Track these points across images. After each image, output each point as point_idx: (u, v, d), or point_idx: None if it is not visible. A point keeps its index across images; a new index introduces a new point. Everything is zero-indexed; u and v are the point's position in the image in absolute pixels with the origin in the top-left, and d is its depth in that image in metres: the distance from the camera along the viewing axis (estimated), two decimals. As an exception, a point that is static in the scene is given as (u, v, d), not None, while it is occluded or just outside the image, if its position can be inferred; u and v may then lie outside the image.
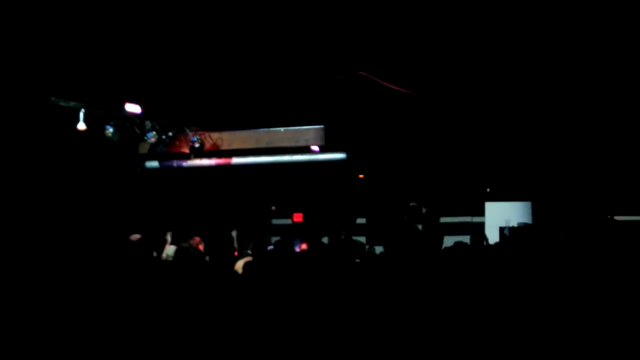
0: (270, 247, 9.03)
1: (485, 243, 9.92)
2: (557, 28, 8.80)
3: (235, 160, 14.99)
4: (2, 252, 8.38)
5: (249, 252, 9.33)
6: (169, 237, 11.57)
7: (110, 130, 12.92)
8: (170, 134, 13.95)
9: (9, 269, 6.94)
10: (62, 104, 11.65)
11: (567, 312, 6.12)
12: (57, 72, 10.45)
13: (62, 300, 6.08)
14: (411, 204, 14.37)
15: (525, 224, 13.84)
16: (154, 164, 15.36)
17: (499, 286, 6.72)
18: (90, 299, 6.08)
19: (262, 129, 14.26)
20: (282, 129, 14.14)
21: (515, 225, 13.63)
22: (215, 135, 14.41)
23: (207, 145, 14.32)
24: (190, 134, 14.10)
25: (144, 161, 15.32)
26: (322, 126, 13.85)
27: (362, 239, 17.34)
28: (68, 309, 5.98)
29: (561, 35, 9.12)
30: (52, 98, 11.39)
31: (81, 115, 12.06)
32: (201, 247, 11.16)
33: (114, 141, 13.05)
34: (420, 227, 12.58)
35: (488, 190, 16.72)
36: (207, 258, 9.35)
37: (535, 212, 15.11)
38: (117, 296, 6.09)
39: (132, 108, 12.21)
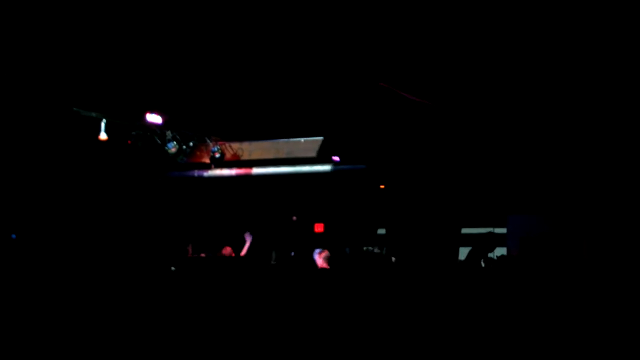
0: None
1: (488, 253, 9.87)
2: (575, 41, 8.76)
3: (256, 170, 15.02)
4: (28, 257, 8.49)
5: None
6: (190, 249, 11.58)
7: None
8: (190, 144, 14.02)
9: (35, 271, 7.04)
10: (83, 114, 11.76)
11: (588, 322, 6.07)
12: (79, 83, 10.56)
13: (77, 304, 6.15)
14: (434, 214, 14.35)
15: (547, 237, 13.75)
16: (174, 174, 15.44)
17: (520, 296, 6.68)
18: (106, 302, 6.14)
19: (282, 140, 14.28)
20: (302, 139, 14.15)
21: (537, 236, 13.55)
22: (235, 146, 14.46)
23: (228, 156, 14.37)
24: (211, 144, 14.16)
25: (164, 171, 15.40)
26: (343, 136, 13.85)
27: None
28: (83, 310, 6.05)
29: (584, 49, 9.07)
30: (74, 108, 11.50)
31: (102, 125, 12.16)
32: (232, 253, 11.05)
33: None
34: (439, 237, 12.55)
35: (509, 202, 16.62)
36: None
37: (557, 224, 14.99)
38: (134, 301, 6.14)
39: (153, 118, 12.29)
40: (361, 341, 5.51)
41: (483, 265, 10.85)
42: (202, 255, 10.36)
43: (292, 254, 9.03)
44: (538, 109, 11.65)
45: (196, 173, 15.30)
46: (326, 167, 14.70)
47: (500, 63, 9.90)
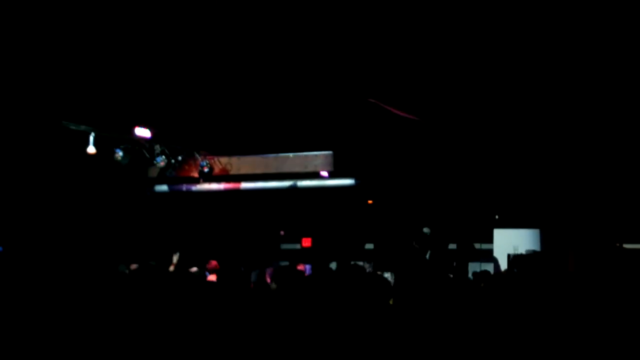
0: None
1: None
2: (564, 50, 8.85)
3: (244, 185, 15.01)
4: (14, 271, 8.43)
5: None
6: (175, 258, 11.52)
7: (119, 153, 12.99)
8: (179, 158, 14.01)
9: (17, 286, 7.00)
10: (72, 127, 11.73)
11: (574, 339, 6.09)
12: (68, 96, 10.55)
13: (64, 319, 6.12)
14: (424, 229, 14.37)
15: (534, 251, 13.79)
16: (163, 187, 15.40)
17: (507, 313, 6.69)
18: (92, 318, 6.10)
19: (271, 154, 14.30)
20: (291, 154, 14.17)
21: (524, 252, 13.60)
22: (224, 160, 14.45)
23: (216, 170, 14.36)
24: (200, 158, 14.15)
25: (153, 185, 15.36)
26: (330, 152, 13.88)
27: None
28: (69, 327, 6.02)
29: (571, 58, 9.16)
30: (63, 122, 11.47)
31: (91, 139, 12.14)
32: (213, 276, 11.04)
33: (124, 164, 13.11)
34: (428, 253, 12.56)
35: (497, 217, 16.67)
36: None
37: (543, 239, 15.05)
38: (118, 315, 6.11)
39: (142, 132, 12.29)
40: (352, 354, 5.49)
41: (470, 277, 10.88)
42: (193, 269, 10.31)
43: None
44: (523, 125, 11.74)
45: (184, 187, 15.27)
46: (314, 182, 14.71)
47: (484, 82, 10.00)
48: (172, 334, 5.95)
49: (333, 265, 14.96)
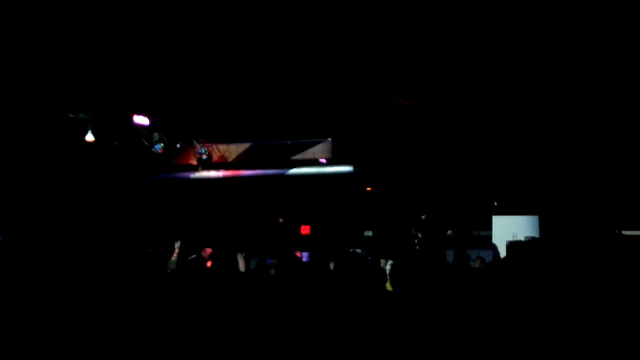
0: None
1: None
2: (564, 39, 8.83)
3: (243, 172, 14.98)
4: (12, 260, 8.44)
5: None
6: (177, 246, 11.52)
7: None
8: (178, 146, 13.97)
9: (17, 275, 7.01)
10: (71, 116, 11.71)
11: (573, 326, 6.09)
12: (67, 84, 10.53)
13: (65, 308, 6.12)
14: (422, 217, 14.38)
15: (533, 238, 13.80)
16: (161, 175, 15.37)
17: (506, 300, 6.69)
18: (93, 306, 6.11)
19: (269, 142, 14.27)
20: (289, 142, 14.14)
21: (523, 239, 13.60)
22: (222, 148, 14.41)
23: (215, 158, 14.32)
24: (198, 146, 14.11)
25: (151, 173, 15.33)
26: (329, 139, 13.85)
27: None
28: (70, 315, 6.03)
29: (571, 48, 9.14)
30: (62, 110, 11.45)
31: (90, 127, 12.11)
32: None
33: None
34: (426, 239, 12.55)
35: (496, 204, 16.68)
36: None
37: (542, 226, 15.06)
38: (120, 304, 6.11)
39: (141, 120, 12.26)
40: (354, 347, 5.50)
41: (473, 266, 10.87)
42: (191, 257, 10.31)
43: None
44: (522, 111, 11.74)
45: (183, 175, 15.24)
46: (313, 170, 14.68)
47: (483, 67, 9.98)
48: (172, 320, 5.96)
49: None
